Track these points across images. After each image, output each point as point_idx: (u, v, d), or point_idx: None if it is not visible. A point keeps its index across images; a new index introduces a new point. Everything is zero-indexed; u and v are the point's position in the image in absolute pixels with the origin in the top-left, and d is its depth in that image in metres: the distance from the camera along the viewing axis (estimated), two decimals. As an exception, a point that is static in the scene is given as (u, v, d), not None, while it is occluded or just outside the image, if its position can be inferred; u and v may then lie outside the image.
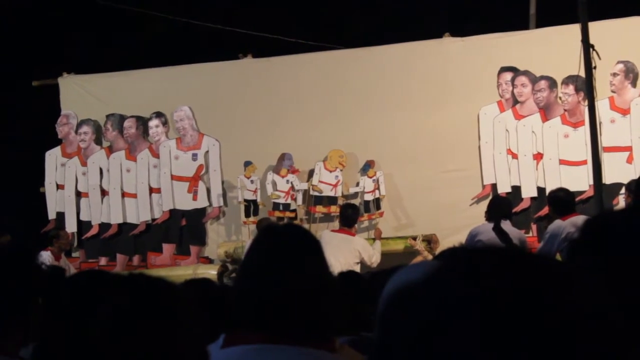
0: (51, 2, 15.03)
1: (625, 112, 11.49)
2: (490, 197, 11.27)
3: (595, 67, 8.70)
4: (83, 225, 13.53)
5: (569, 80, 11.40)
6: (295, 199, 12.47)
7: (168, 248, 13.08)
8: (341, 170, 12.33)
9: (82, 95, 13.77)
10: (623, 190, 10.82)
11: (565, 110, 11.71)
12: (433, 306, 1.03)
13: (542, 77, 11.80)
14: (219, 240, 12.88)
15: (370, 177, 12.20)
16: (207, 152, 13.03)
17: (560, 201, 9.41)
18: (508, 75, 11.99)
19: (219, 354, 2.49)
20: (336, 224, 11.45)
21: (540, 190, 11.63)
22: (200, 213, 13.06)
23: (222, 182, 12.97)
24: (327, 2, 15.12)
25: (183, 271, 11.71)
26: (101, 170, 13.45)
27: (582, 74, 8.89)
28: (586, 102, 9.33)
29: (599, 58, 8.77)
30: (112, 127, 13.42)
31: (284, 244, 2.71)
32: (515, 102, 11.98)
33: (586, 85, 9.02)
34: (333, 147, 12.36)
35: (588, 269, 1.66)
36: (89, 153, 13.56)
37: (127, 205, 13.31)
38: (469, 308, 1.01)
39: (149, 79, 13.63)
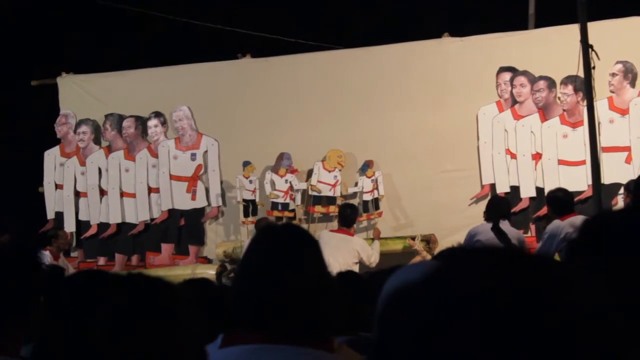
0: (51, 2, 15.03)
1: (624, 112, 11.49)
2: (489, 197, 11.27)
3: (594, 67, 8.71)
4: (82, 225, 13.53)
5: (568, 80, 11.40)
6: (294, 199, 12.47)
7: (167, 248, 13.08)
8: (340, 170, 12.33)
9: (81, 95, 13.77)
10: (622, 191, 10.82)
11: (564, 110, 11.72)
12: (432, 306, 1.03)
13: (541, 77, 11.81)
14: (217, 240, 12.88)
15: (369, 177, 12.21)
16: (206, 152, 13.03)
17: (559, 201, 9.41)
18: (507, 76, 12.00)
19: (217, 354, 2.49)
20: (335, 224, 11.45)
21: (539, 190, 11.63)
22: (199, 213, 13.06)
23: (221, 182, 12.98)
24: (326, 2, 15.12)
25: (182, 271, 11.71)
26: (100, 170, 13.45)
27: (581, 74, 8.90)
28: (585, 102, 9.32)
29: (598, 58, 8.78)
30: (111, 126, 13.42)
31: (283, 244, 2.71)
32: (514, 102, 11.99)
33: (585, 86, 9.03)
34: (332, 147, 12.36)
35: (587, 269, 1.66)
36: (88, 153, 13.56)
37: (125, 205, 13.31)
38: (468, 308, 1.01)
39: (148, 78, 13.62)
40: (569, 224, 8.76)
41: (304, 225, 11.82)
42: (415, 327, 1.03)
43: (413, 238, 11.50)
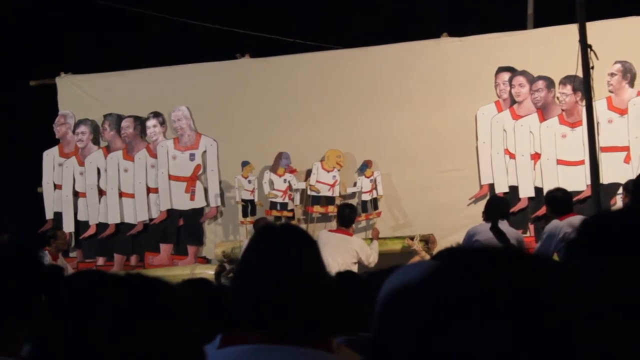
0: (50, 2, 15.02)
1: (622, 112, 11.49)
2: (487, 197, 11.27)
3: (592, 67, 8.70)
4: (80, 225, 13.53)
5: (567, 80, 11.41)
6: (292, 199, 12.47)
7: (165, 248, 13.08)
8: (339, 170, 12.33)
9: (80, 95, 13.77)
10: (620, 190, 10.82)
11: (562, 110, 11.72)
12: (431, 306, 1.03)
13: (540, 77, 11.81)
14: (216, 240, 12.88)
15: (368, 177, 12.21)
16: (205, 152, 13.02)
17: (558, 201, 9.41)
18: (506, 76, 12.00)
19: (215, 354, 2.49)
20: (334, 224, 11.46)
21: (538, 190, 11.64)
22: (197, 213, 13.06)
23: (220, 182, 12.97)
24: (325, 2, 15.12)
25: (180, 271, 11.71)
26: (99, 170, 13.44)
27: (580, 74, 8.90)
28: (584, 102, 9.32)
29: (597, 58, 8.78)
30: (110, 127, 13.41)
31: (281, 244, 2.71)
32: (513, 102, 11.99)
33: (584, 85, 9.03)
34: (331, 147, 12.36)
35: (586, 269, 1.66)
36: (87, 153, 13.56)
37: (124, 205, 13.31)
38: (467, 308, 1.01)
39: (147, 78, 13.62)
40: (567, 224, 8.75)
41: (303, 225, 11.83)
42: (414, 327, 1.03)
43: (412, 238, 11.50)
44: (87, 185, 13.47)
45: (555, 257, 8.36)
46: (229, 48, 13.42)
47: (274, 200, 12.42)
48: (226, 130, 12.93)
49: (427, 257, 10.75)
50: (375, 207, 12.19)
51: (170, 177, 13.07)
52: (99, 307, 1.57)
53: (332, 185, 12.34)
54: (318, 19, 15.05)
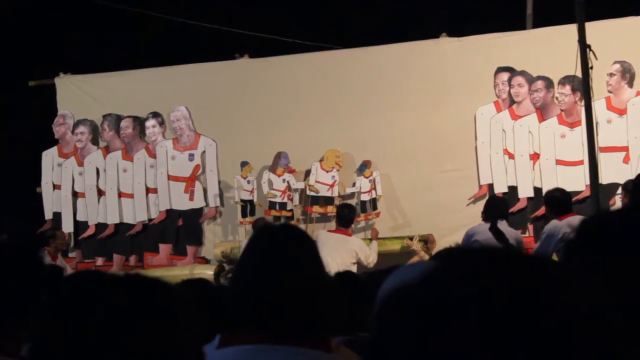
0: (50, 2, 15.02)
1: (621, 112, 11.49)
2: (486, 197, 11.27)
3: (591, 67, 8.71)
4: (80, 226, 13.52)
5: (566, 80, 11.40)
6: (291, 199, 12.47)
7: (165, 248, 13.08)
8: (338, 170, 12.33)
9: (79, 96, 13.77)
10: (620, 191, 10.83)
11: (561, 110, 11.72)
12: (430, 306, 1.03)
13: (539, 77, 11.81)
14: (215, 241, 12.87)
15: (367, 177, 12.21)
16: (204, 152, 13.02)
17: (557, 201, 9.41)
18: (505, 76, 12.00)
19: (214, 354, 2.49)
20: (333, 224, 11.46)
21: (537, 190, 11.64)
22: (196, 213, 13.05)
23: (219, 183, 12.97)
24: (324, 2, 15.12)
25: (180, 271, 11.71)
26: (98, 170, 13.44)
27: (579, 74, 8.90)
28: (583, 102, 9.32)
29: (596, 58, 8.78)
30: (109, 127, 13.41)
31: (280, 244, 2.71)
32: (512, 102, 11.99)
33: (583, 86, 9.03)
34: (330, 147, 12.36)
35: (585, 269, 1.66)
36: (86, 153, 13.55)
37: (123, 205, 13.30)
38: (466, 308, 1.01)
39: (146, 79, 13.62)
40: (566, 224, 8.75)
41: (302, 226, 11.83)
42: (413, 327, 1.03)
43: (411, 238, 11.50)
44: (86, 186, 13.47)
45: (555, 257, 8.36)
46: (228, 48, 13.42)
47: (272, 200, 12.42)
48: (225, 130, 12.93)
49: (426, 257, 10.75)
50: (375, 207, 12.19)
51: (170, 178, 13.07)
52: (98, 307, 1.57)
53: (331, 186, 12.34)
54: (317, 19, 15.05)
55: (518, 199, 11.79)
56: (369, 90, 12.47)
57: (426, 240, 11.57)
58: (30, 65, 14.41)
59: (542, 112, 11.82)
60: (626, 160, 11.39)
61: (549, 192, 9.85)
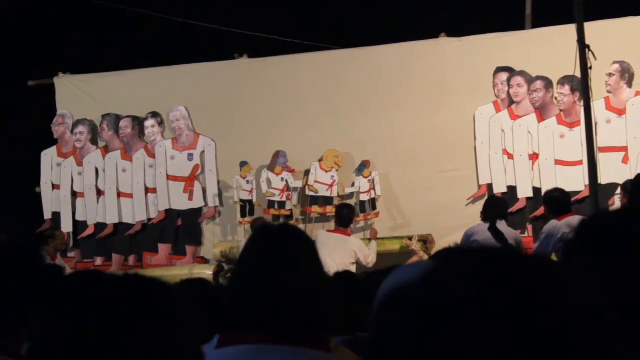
0: (50, 2, 15.02)
1: (620, 112, 11.49)
2: (486, 198, 11.27)
3: (591, 68, 8.70)
4: (79, 225, 13.51)
5: (565, 80, 11.39)
6: (290, 199, 12.47)
7: (164, 248, 13.08)
8: (337, 170, 12.33)
9: (78, 95, 13.76)
10: (619, 191, 10.84)
11: (561, 110, 11.72)
12: (429, 306, 1.03)
13: (538, 78, 11.81)
14: (214, 241, 12.87)
15: (366, 177, 12.21)
16: (203, 152, 13.02)
17: (556, 201, 9.41)
18: (504, 76, 12.00)
19: (213, 355, 2.49)
20: (332, 224, 11.45)
21: (536, 190, 11.63)
22: (196, 213, 13.05)
23: (218, 182, 12.97)
24: (324, 2, 15.12)
25: (179, 271, 11.71)
26: (97, 170, 13.43)
27: (578, 74, 8.90)
28: (582, 103, 9.32)
29: (595, 58, 8.78)
30: (108, 127, 13.40)
31: (279, 244, 2.71)
32: (511, 102, 11.99)
33: (582, 86, 9.03)
34: (329, 147, 12.36)
35: (584, 270, 1.66)
36: (85, 153, 13.55)
37: (123, 205, 13.30)
38: (465, 308, 1.01)
39: (145, 79, 13.62)
40: (565, 224, 8.75)
41: (301, 226, 11.83)
42: (412, 327, 1.03)
43: (410, 238, 11.50)
44: (86, 185, 13.46)
45: (554, 257, 8.36)
46: (227, 48, 13.42)
47: (271, 199, 12.42)
48: (224, 130, 12.92)
49: (426, 257, 10.75)
50: (374, 208, 12.19)
51: (169, 177, 13.06)
52: (97, 307, 1.57)
53: (331, 186, 12.34)
54: (317, 19, 15.05)
55: (517, 199, 11.79)
56: (368, 90, 12.47)
57: (425, 241, 11.57)
58: (30, 65, 14.40)
59: (542, 112, 11.82)
60: (625, 160, 11.39)
61: (548, 192, 9.84)
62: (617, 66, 11.46)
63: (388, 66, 12.47)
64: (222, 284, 10.54)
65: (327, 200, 12.36)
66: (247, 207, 12.46)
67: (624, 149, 11.43)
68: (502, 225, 9.41)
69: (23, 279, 2.74)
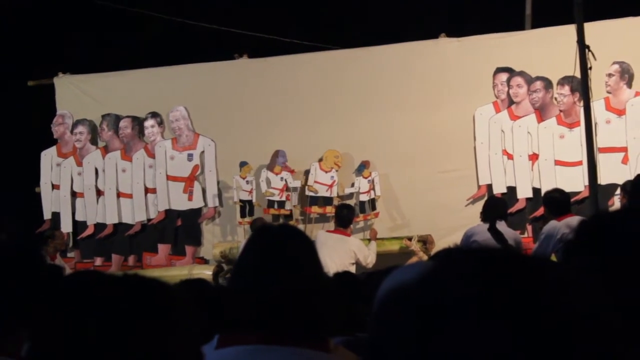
0: (50, 2, 15.01)
1: (620, 112, 11.50)
2: (485, 198, 11.27)
3: (590, 68, 8.70)
4: (78, 226, 13.51)
5: (565, 81, 11.39)
6: (290, 199, 12.47)
7: (163, 248, 13.08)
8: (336, 170, 12.33)
9: (78, 95, 13.76)
10: (618, 191, 10.84)
11: (560, 110, 11.72)
12: (429, 306, 1.03)
13: (538, 78, 11.81)
14: (214, 241, 12.87)
15: (366, 178, 12.21)
16: (203, 152, 13.02)
17: (556, 202, 9.41)
18: (504, 76, 12.00)
19: (212, 355, 2.49)
20: (331, 225, 11.46)
21: (536, 190, 11.63)
22: (195, 213, 13.05)
23: (218, 183, 12.97)
24: (324, 2, 15.11)
25: (178, 271, 11.70)
26: (97, 170, 13.44)
27: (578, 74, 8.90)
28: (582, 103, 9.32)
29: (595, 59, 8.77)
30: (108, 127, 13.41)
31: (279, 244, 2.71)
32: (511, 102, 11.99)
33: (582, 86, 9.03)
34: (329, 148, 12.36)
35: (584, 270, 1.66)
36: (85, 153, 13.55)
37: (122, 205, 13.30)
38: (465, 308, 1.01)
39: (145, 79, 13.62)
40: (565, 225, 8.75)
41: (301, 226, 11.83)
42: (412, 327, 1.03)
43: (410, 239, 11.51)
44: (85, 186, 13.46)
45: (553, 257, 8.36)
46: (227, 48, 13.42)
47: (271, 198, 12.43)
48: (224, 130, 12.92)
49: (425, 257, 10.76)
50: (373, 208, 12.19)
51: (168, 178, 13.07)
52: (97, 307, 1.57)
53: (330, 186, 12.34)
54: (317, 19, 15.04)
55: (517, 200, 11.79)
56: (368, 90, 12.47)
57: (425, 241, 11.57)
58: (30, 65, 14.40)
59: (541, 112, 11.82)
60: (625, 160, 11.39)
61: (548, 193, 9.84)
62: (616, 66, 11.46)
63: (387, 67, 12.47)
64: (222, 284, 10.54)
65: (327, 201, 12.36)
66: (246, 207, 12.47)
67: (624, 149, 11.43)
68: (501, 225, 9.42)
69: (23, 279, 2.74)
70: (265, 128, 12.69)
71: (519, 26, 12.96)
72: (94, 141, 13.61)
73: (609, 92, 11.47)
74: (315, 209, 12.39)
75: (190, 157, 13.01)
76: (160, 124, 13.21)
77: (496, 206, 10.05)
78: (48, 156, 13.79)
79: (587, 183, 9.94)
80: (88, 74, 13.88)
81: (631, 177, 9.61)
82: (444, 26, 12.65)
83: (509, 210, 10.98)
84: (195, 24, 14.08)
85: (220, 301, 2.88)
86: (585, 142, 8.85)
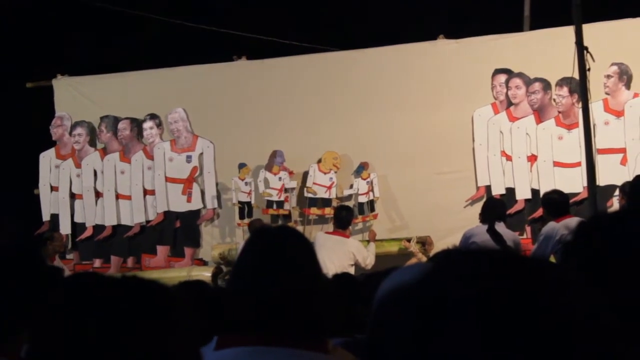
0: (49, 3, 15.01)
1: (619, 114, 11.50)
2: (484, 199, 11.27)
3: (589, 69, 8.70)
4: (77, 227, 13.50)
5: (563, 82, 11.39)
6: (288, 200, 12.47)
7: (162, 250, 13.07)
8: (335, 172, 12.33)
9: (76, 97, 13.75)
10: (617, 192, 10.84)
11: (559, 112, 11.72)
12: (428, 307, 1.03)
13: (536, 79, 11.81)
14: (213, 242, 12.86)
15: (364, 179, 12.20)
16: (202, 154, 13.01)
17: (554, 203, 9.40)
18: (502, 77, 12.00)
19: (211, 356, 2.49)
20: (330, 226, 11.45)
21: (534, 192, 11.63)
22: (194, 215, 13.04)
23: (217, 184, 12.97)
24: (323, 4, 15.11)
25: (177, 273, 11.69)
26: (95, 172, 13.43)
27: (576, 76, 8.90)
28: (580, 104, 9.33)
29: (593, 60, 8.77)
30: (107, 128, 13.40)
31: (277, 245, 2.71)
32: (510, 104, 11.99)
33: (580, 87, 9.03)
34: (327, 149, 12.36)
35: (582, 271, 1.66)
36: (83, 155, 13.54)
37: (121, 207, 13.29)
38: (464, 309, 1.01)
39: (143, 80, 13.61)
40: (564, 226, 8.75)
41: (300, 227, 11.83)
42: (411, 328, 1.03)
43: (409, 240, 11.51)
44: (84, 187, 13.45)
45: (552, 259, 8.36)
46: (226, 50, 13.41)
47: (269, 198, 12.42)
48: (223, 132, 12.92)
49: (424, 258, 10.76)
50: (372, 209, 12.18)
51: (167, 179, 13.06)
52: (97, 307, 1.57)
53: (329, 187, 12.34)
54: (316, 21, 15.05)
55: (515, 201, 11.79)
56: (366, 92, 12.47)
57: (424, 242, 11.57)
58: (29, 67, 14.39)
59: (540, 113, 11.83)
60: (623, 162, 11.39)
61: (547, 194, 9.83)
62: (615, 68, 11.47)
63: (386, 68, 12.47)
64: (221, 285, 10.53)
65: (326, 202, 12.36)
66: (245, 208, 12.46)
67: (622, 150, 11.44)
68: (500, 227, 9.42)
69: (23, 279, 2.74)
70: (264, 129, 12.69)
71: (517, 27, 12.96)
72: (92, 143, 13.60)
73: (607, 94, 11.47)
74: (314, 211, 12.39)
75: (189, 159, 13.01)
76: (159, 125, 13.21)
77: (495, 207, 10.05)
78: (47, 158, 13.78)
79: (585, 184, 9.94)
80: (86, 76, 13.87)
81: (630, 178, 9.60)
82: (442, 27, 12.65)
83: (508, 212, 10.97)
84: (194, 26, 14.08)
85: (219, 302, 2.88)
86: (584, 144, 8.85)
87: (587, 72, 8.69)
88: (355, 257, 10.60)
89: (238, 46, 13.47)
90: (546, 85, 11.76)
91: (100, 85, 13.79)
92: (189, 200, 12.99)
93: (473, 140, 12.08)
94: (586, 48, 8.68)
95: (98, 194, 13.41)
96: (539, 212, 10.87)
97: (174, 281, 4.57)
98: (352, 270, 10.03)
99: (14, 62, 14.73)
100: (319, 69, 12.80)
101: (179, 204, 13.01)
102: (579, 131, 10.40)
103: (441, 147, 12.04)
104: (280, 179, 12.41)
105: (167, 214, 13.05)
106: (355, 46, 12.82)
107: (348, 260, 10.49)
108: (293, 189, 12.51)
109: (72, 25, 15.24)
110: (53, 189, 13.67)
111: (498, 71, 12.00)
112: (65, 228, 13.40)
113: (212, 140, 12.94)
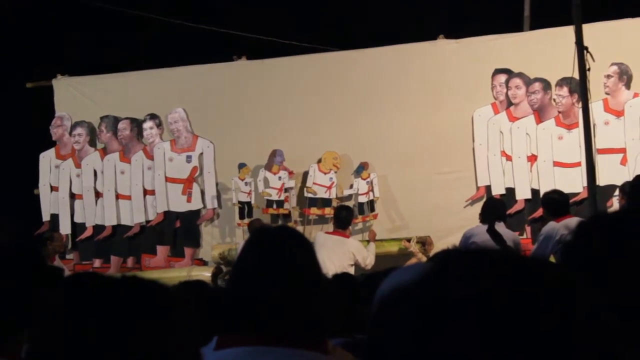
0: (49, 3, 15.01)
1: (619, 114, 11.50)
2: (484, 199, 11.27)
3: (589, 69, 8.70)
4: (77, 227, 13.50)
5: (563, 82, 11.39)
6: (288, 200, 12.47)
7: (162, 250, 13.07)
8: (335, 172, 12.33)
9: (76, 97, 13.75)
10: (617, 192, 10.83)
11: (559, 112, 11.72)
12: (428, 307, 1.03)
13: (536, 79, 11.81)
14: (213, 242, 12.86)
15: (364, 179, 12.20)
16: (202, 154, 13.01)
17: (554, 203, 9.40)
18: (502, 77, 12.00)
19: (211, 356, 2.49)
20: (330, 226, 11.45)
21: (534, 192, 11.63)
22: (194, 215, 13.04)
23: (217, 184, 12.96)
24: (323, 4, 15.11)
25: (177, 273, 11.69)
26: (95, 172, 13.42)
27: (576, 76, 8.90)
28: (580, 104, 9.33)
29: (593, 60, 8.77)
30: (106, 128, 13.40)
31: (277, 246, 2.71)
32: (510, 104, 11.99)
33: (580, 87, 9.03)
34: (327, 149, 12.36)
35: (582, 271, 1.66)
36: (83, 155, 13.54)
37: (121, 207, 13.29)
38: (464, 309, 1.01)
39: (143, 80, 13.61)
40: (564, 226, 8.75)
41: (300, 227, 11.84)
42: (411, 328, 1.03)
43: (408, 240, 11.50)
44: (84, 187, 13.45)
45: (552, 259, 8.36)
46: (226, 50, 13.41)
47: (269, 198, 12.43)
48: (223, 132, 12.92)
49: (424, 259, 10.76)
50: (372, 209, 12.18)
51: (167, 179, 13.06)
52: (97, 307, 1.57)
53: (329, 187, 12.34)
54: (316, 21, 15.04)
55: (515, 201, 11.79)
56: (367, 92, 12.47)
57: (424, 242, 11.57)
58: (29, 67, 14.39)
59: (540, 113, 11.83)
60: (623, 162, 11.40)
61: (547, 194, 9.83)
62: (615, 68, 11.47)
63: (386, 68, 12.47)
64: (221, 285, 10.53)
65: (326, 202, 12.36)
66: (245, 208, 12.46)
67: (622, 150, 11.44)
68: (500, 227, 9.42)
69: (23, 279, 2.74)
70: (264, 129, 12.69)
71: (517, 27, 12.96)
72: (92, 143, 13.60)
73: (607, 94, 11.47)
74: (314, 211, 12.39)
75: (189, 159, 13.00)
76: (159, 125, 13.20)
77: (495, 207, 10.05)
78: (47, 158, 13.78)
79: (585, 184, 9.94)
80: (86, 76, 13.87)
81: (630, 178, 9.60)
82: (443, 27, 12.65)
83: (508, 212, 10.98)
84: (194, 26, 14.08)
85: (219, 302, 2.88)
86: (584, 143, 8.85)
87: (587, 72, 8.70)
88: (355, 257, 10.60)
89: (238, 46, 13.47)
90: (546, 85, 11.76)
91: (100, 85, 13.79)
92: (189, 200, 12.99)
93: (473, 140, 12.08)
94: (586, 48, 8.68)
95: (98, 194, 13.41)
96: (539, 212, 10.87)
97: (174, 281, 4.57)
98: (352, 270, 10.03)
99: (14, 62, 14.73)
100: (319, 69, 12.80)
101: (179, 204, 13.01)
102: (579, 131, 10.40)
103: (441, 147, 12.04)
104: (280, 178, 12.41)
105: (167, 214, 13.05)
106: (355, 46, 12.82)
107: (348, 260, 10.49)
108: (291, 188, 12.51)
109: (72, 25, 15.23)
110: (53, 189, 13.67)
111: (498, 71, 12.00)
112: (65, 228, 13.40)
113: (212, 140, 12.94)
